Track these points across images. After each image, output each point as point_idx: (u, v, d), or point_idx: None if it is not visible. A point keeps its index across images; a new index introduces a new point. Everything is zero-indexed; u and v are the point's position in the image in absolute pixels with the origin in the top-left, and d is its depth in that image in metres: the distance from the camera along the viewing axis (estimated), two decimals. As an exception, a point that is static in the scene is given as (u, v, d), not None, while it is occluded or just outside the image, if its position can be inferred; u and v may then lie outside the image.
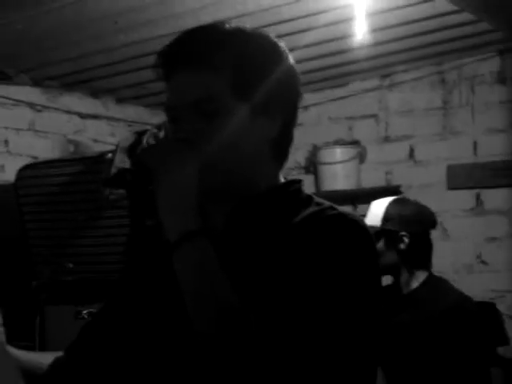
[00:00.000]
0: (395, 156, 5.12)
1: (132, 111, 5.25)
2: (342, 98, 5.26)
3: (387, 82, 5.16)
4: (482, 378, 3.11)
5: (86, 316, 3.21)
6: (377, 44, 4.23)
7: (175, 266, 1.33)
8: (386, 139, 5.17)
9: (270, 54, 1.47)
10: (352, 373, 1.35)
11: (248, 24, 1.50)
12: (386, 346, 3.00)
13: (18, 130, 4.54)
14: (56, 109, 4.76)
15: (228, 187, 1.45)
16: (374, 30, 3.97)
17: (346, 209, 1.47)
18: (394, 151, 5.12)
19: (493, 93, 4.84)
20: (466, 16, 3.99)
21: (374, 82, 5.18)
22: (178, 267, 1.33)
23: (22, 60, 4.31)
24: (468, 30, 4.26)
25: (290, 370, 1.26)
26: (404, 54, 4.66)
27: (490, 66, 4.85)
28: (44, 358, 1.61)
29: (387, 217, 3.25)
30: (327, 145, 5.24)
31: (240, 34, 1.47)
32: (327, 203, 1.46)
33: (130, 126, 5.14)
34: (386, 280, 3.27)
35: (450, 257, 4.71)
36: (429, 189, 4.94)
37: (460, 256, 4.83)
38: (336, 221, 1.39)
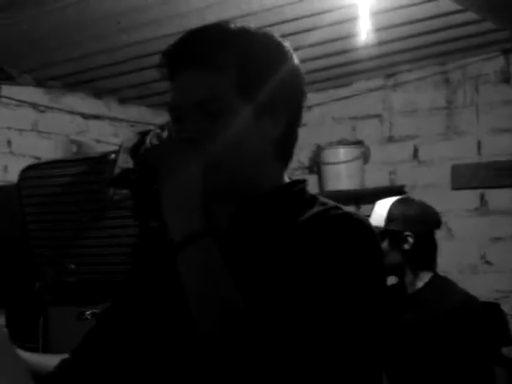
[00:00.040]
0: (399, 156, 5.11)
1: (135, 111, 5.25)
2: (345, 97, 5.25)
3: (391, 81, 5.15)
4: (485, 378, 3.11)
5: (89, 317, 3.20)
6: (381, 43, 4.23)
7: (180, 267, 1.33)
8: (390, 139, 5.17)
9: (274, 53, 1.47)
10: (357, 372, 1.35)
11: (252, 23, 1.50)
12: (389, 346, 3.00)
13: (20, 130, 4.54)
14: (59, 109, 4.76)
15: (232, 187, 1.45)
16: (378, 30, 3.97)
17: (350, 209, 1.46)
18: (397, 151, 5.12)
19: (497, 92, 4.82)
20: (470, 15, 3.99)
21: (378, 82, 5.17)
22: (182, 268, 1.33)
23: (24, 60, 4.31)
24: (472, 29, 4.25)
25: (294, 369, 1.26)
26: (408, 53, 4.65)
27: (494, 65, 4.84)
28: (52, 361, 1.61)
29: (391, 217, 3.24)
30: (331, 145, 5.23)
31: (244, 34, 1.46)
32: (332, 203, 1.45)
33: (132, 126, 5.14)
34: (391, 280, 3.26)
35: (454, 257, 4.69)
36: (433, 189, 4.93)
37: (464, 256, 4.82)
38: (341, 220, 1.39)
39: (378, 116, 5.20)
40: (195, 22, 1.55)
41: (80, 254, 3.42)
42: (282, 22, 3.77)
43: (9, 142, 4.48)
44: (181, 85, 1.44)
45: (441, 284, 3.23)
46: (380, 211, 3.27)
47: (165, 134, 3.02)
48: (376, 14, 3.80)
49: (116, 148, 3.45)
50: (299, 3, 3.66)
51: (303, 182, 1.53)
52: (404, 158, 5.10)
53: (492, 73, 4.84)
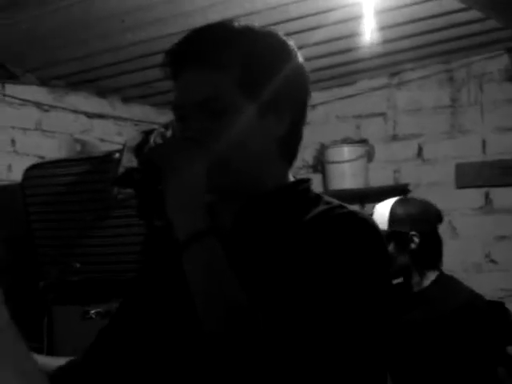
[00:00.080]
0: (403, 154, 5.10)
1: (139, 110, 5.25)
2: (349, 96, 5.25)
3: (395, 80, 5.14)
4: (490, 377, 3.11)
5: (93, 316, 3.20)
6: (385, 42, 4.22)
7: (185, 266, 1.33)
8: (394, 138, 5.16)
9: (278, 52, 1.47)
10: (361, 371, 1.35)
11: (256, 22, 1.50)
12: (395, 344, 2.99)
13: (24, 129, 4.54)
14: (63, 108, 4.76)
15: (236, 186, 1.45)
16: (382, 28, 3.96)
17: (355, 208, 1.46)
18: (402, 150, 5.11)
19: (501, 91, 4.82)
20: (473, 14, 3.98)
21: (382, 81, 5.16)
22: (187, 268, 1.33)
23: (28, 59, 4.31)
24: (476, 27, 4.24)
25: (298, 368, 1.26)
26: (412, 52, 4.64)
27: (498, 63, 4.83)
28: (59, 363, 1.61)
29: (394, 218, 3.23)
30: (335, 143, 5.22)
31: (248, 33, 1.46)
32: (336, 202, 1.45)
33: (136, 125, 5.14)
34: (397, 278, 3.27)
35: (458, 256, 4.68)
36: (437, 187, 4.92)
37: (469, 255, 4.81)
38: (345, 219, 1.39)
39: (383, 114, 5.19)
40: (199, 21, 1.54)
41: (84, 253, 3.42)
42: (287, 21, 3.76)
43: (13, 141, 4.48)
44: (185, 84, 1.44)
45: (447, 282, 3.22)
46: (382, 213, 3.26)
47: (169, 133, 3.02)
48: (380, 12, 3.79)
49: (120, 147, 3.45)
50: (304, 1, 3.66)
51: (307, 180, 1.53)
52: (408, 157, 5.10)
53: (496, 71, 4.83)
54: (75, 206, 3.48)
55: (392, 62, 4.86)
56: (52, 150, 4.63)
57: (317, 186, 4.88)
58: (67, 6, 3.50)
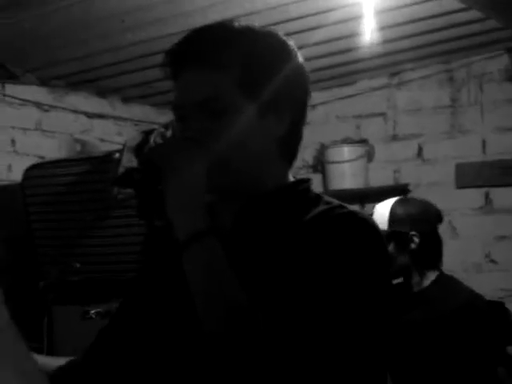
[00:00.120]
0: (403, 154, 5.10)
1: (139, 110, 5.25)
2: (349, 96, 5.25)
3: (395, 80, 5.14)
4: (490, 377, 3.11)
5: (93, 316, 3.20)
6: (385, 42, 4.22)
7: (185, 266, 1.33)
8: (394, 138, 5.16)
9: (278, 52, 1.47)
10: (361, 372, 1.35)
11: (256, 22, 1.50)
12: (395, 344, 2.99)
13: (24, 129, 4.54)
14: (63, 108, 4.76)
15: (236, 186, 1.45)
16: (382, 28, 3.97)
17: (355, 208, 1.46)
18: (402, 150, 5.11)
19: (501, 91, 4.82)
20: (473, 14, 3.98)
21: (382, 81, 5.16)
22: (187, 268, 1.33)
23: (28, 59, 4.31)
24: (476, 27, 4.24)
25: (298, 368, 1.26)
26: (412, 52, 4.64)
27: (498, 63, 4.83)
28: (59, 363, 1.61)
29: (394, 218, 3.23)
30: (335, 143, 5.22)
31: (248, 33, 1.46)
32: (336, 202, 1.46)
33: (136, 125, 5.14)
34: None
35: (458, 256, 4.68)
36: (437, 187, 4.92)
37: (469, 255, 4.81)
38: (345, 219, 1.39)
39: (383, 114, 5.20)
40: (199, 21, 1.54)
41: (84, 253, 3.42)
42: (287, 21, 3.76)
43: (13, 141, 4.48)
44: (185, 84, 1.44)
45: (447, 282, 3.22)
46: (382, 213, 3.26)
47: (169, 133, 3.02)
48: (380, 12, 3.80)
49: (120, 147, 3.45)
50: (304, 1, 3.66)
51: (307, 180, 1.53)
52: (408, 157, 5.10)
53: (496, 71, 4.84)
54: (75, 206, 3.48)
55: (392, 62, 4.86)
56: (52, 149, 4.63)
57: (317, 186, 4.88)
58: (67, 6, 3.50)
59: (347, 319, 1.29)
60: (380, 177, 5.12)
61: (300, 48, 1.51)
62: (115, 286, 3.26)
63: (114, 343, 1.57)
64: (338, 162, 5.05)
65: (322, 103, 5.23)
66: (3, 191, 4.19)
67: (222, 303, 1.30)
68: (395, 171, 5.14)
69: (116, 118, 5.09)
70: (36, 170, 3.72)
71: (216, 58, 1.41)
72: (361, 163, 5.07)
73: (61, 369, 1.57)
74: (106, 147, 4.71)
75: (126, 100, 5.16)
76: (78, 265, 3.30)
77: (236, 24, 1.46)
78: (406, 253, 3.20)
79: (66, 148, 4.74)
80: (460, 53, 4.77)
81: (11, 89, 4.45)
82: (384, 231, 3.13)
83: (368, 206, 4.97)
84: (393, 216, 3.23)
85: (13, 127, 4.47)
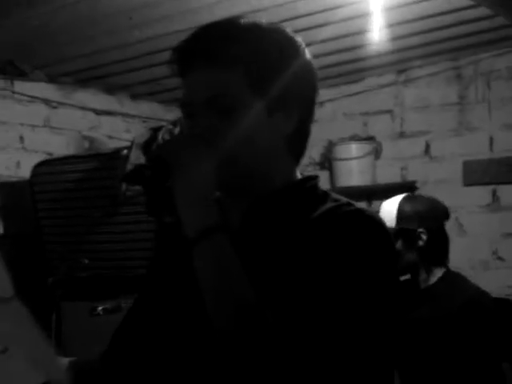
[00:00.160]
0: (411, 152, 5.10)
1: (147, 107, 5.25)
2: (357, 93, 5.24)
3: (403, 77, 5.13)
4: (496, 374, 3.11)
5: (101, 312, 3.21)
6: (392, 39, 4.22)
7: (194, 263, 1.33)
8: (402, 135, 5.15)
9: (285, 48, 1.46)
10: (368, 369, 1.35)
11: (264, 19, 1.49)
12: (402, 342, 3.00)
13: (33, 126, 4.55)
14: (71, 105, 4.77)
15: (244, 182, 1.45)
16: (390, 25, 3.96)
17: (362, 205, 1.46)
18: (409, 147, 5.10)
19: (509, 88, 4.80)
20: (482, 11, 3.97)
21: (390, 78, 5.15)
22: (196, 264, 1.33)
23: (37, 56, 4.32)
24: (484, 24, 4.23)
25: (306, 365, 1.26)
26: (420, 49, 4.64)
27: (506, 61, 4.81)
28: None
29: (402, 215, 3.23)
30: (342, 141, 5.22)
31: (256, 29, 1.46)
32: (344, 199, 1.45)
33: (144, 122, 5.14)
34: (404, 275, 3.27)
35: (465, 253, 4.68)
36: (444, 185, 4.92)
37: (476, 252, 4.81)
38: (353, 217, 1.39)
39: (390, 112, 5.19)
40: (206, 18, 1.55)
41: (92, 249, 3.43)
42: (294, 18, 3.76)
43: (21, 138, 4.49)
44: (192, 81, 1.44)
45: (453, 280, 3.23)
46: (389, 211, 3.27)
47: (177, 130, 3.03)
48: (388, 9, 3.79)
49: (128, 144, 3.46)
50: (311, -2, 3.66)
51: (315, 178, 1.53)
52: (415, 154, 5.09)
53: (504, 68, 4.82)
54: (83, 203, 3.49)
55: (400, 60, 4.86)
56: (60, 146, 4.63)
57: (324, 183, 4.88)
58: (74, 3, 3.51)
59: (355, 316, 1.29)
60: (387, 174, 5.12)
61: (307, 45, 1.51)
62: (123, 283, 3.27)
63: (131, 345, 1.57)
64: (346, 159, 5.05)
65: (330, 100, 5.22)
66: (12, 188, 4.21)
67: (231, 300, 1.30)
68: (402, 168, 5.14)
69: (124, 115, 5.09)
70: (44, 167, 3.73)
71: (223, 55, 1.41)
72: (368, 160, 5.07)
73: (79, 372, 1.57)
74: (114, 144, 4.72)
75: (134, 97, 5.16)
76: (86, 261, 3.31)
77: (243, 20, 1.46)
78: (414, 250, 3.20)
79: (75, 145, 4.75)
80: (468, 50, 4.76)
81: (20, 86, 4.46)
82: (392, 228, 3.14)
83: (375, 203, 4.97)
84: (400, 213, 3.23)
85: (21, 124, 4.48)
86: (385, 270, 1.37)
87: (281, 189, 1.47)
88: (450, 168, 4.94)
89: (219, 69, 1.41)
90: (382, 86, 5.17)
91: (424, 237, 3.20)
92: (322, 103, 5.11)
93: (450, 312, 3.08)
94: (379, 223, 1.41)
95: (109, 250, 3.40)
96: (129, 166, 3.12)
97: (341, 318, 1.28)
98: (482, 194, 4.85)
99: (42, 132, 4.60)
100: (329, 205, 1.43)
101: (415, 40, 4.42)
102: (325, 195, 1.47)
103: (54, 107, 4.68)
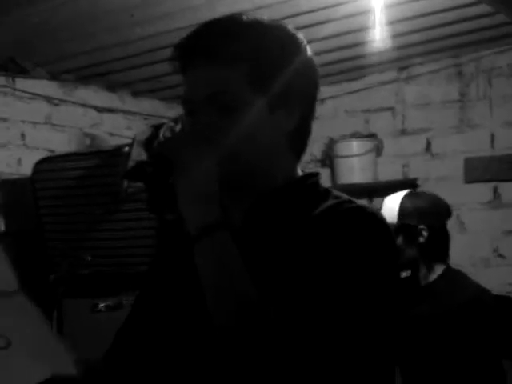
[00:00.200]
0: (412, 149, 5.10)
1: (148, 105, 5.25)
2: (358, 90, 5.24)
3: (404, 74, 5.13)
4: (496, 371, 3.11)
5: (103, 309, 3.21)
6: (394, 36, 4.21)
7: (196, 260, 1.33)
8: (403, 132, 5.15)
9: (287, 45, 1.46)
10: (370, 366, 1.35)
11: (266, 16, 1.49)
12: (403, 339, 3.00)
13: (34, 123, 4.55)
14: (72, 102, 4.77)
15: (246, 179, 1.44)
16: (392, 23, 3.96)
17: (363, 202, 1.46)
18: (410, 144, 5.10)
19: (510, 85, 4.80)
20: (483, 8, 3.97)
21: (391, 75, 5.15)
22: (198, 261, 1.33)
23: (38, 53, 4.31)
24: (485, 22, 4.23)
25: (307, 362, 1.26)
26: (421, 46, 4.63)
27: (507, 58, 4.81)
28: None
29: (404, 211, 3.24)
30: (344, 138, 5.22)
31: (257, 26, 1.46)
32: (345, 196, 1.46)
33: (146, 119, 5.15)
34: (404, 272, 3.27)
35: (466, 250, 4.68)
36: (446, 182, 4.92)
37: (477, 249, 4.81)
38: (354, 214, 1.39)
39: (391, 109, 5.19)
40: (208, 15, 1.54)
41: (94, 246, 3.43)
42: (296, 15, 3.75)
43: (22, 135, 4.49)
44: (193, 78, 1.44)
45: (454, 277, 3.23)
46: (391, 207, 3.27)
47: (178, 127, 3.03)
48: (389, 6, 3.79)
49: (129, 141, 3.46)
50: (313, -4, 3.66)
51: (316, 175, 1.53)
52: (417, 151, 5.09)
53: (505, 66, 4.82)
54: (85, 200, 3.49)
55: (401, 57, 4.85)
56: (62, 143, 4.63)
57: (325, 181, 4.86)
58: (75, 0, 3.51)
59: (356, 313, 1.30)
60: (389, 171, 5.12)
61: (309, 42, 1.50)
62: (125, 280, 3.27)
63: (134, 343, 1.56)
64: (347, 157, 5.05)
65: (331, 97, 5.22)
66: (13, 185, 4.21)
67: (232, 297, 1.30)
68: (404, 166, 5.14)
69: (125, 112, 5.09)
70: (46, 164, 3.74)
71: (224, 52, 1.41)
72: (369, 157, 5.07)
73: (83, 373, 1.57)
74: (115, 141, 4.72)
75: (135, 94, 5.16)
76: (89, 257, 3.32)
77: (244, 17, 1.46)
78: (414, 246, 3.20)
79: (76, 142, 4.75)
80: (469, 47, 4.76)
81: (21, 83, 4.46)
82: (393, 224, 3.14)
83: (376, 201, 4.97)
84: (402, 209, 3.24)
85: (23, 121, 4.48)
86: (386, 267, 1.37)
87: (282, 186, 1.47)
88: (452, 165, 4.94)
89: (220, 66, 1.41)
90: (384, 84, 5.17)
91: (425, 233, 3.20)
92: (323, 100, 5.11)
93: (450, 309, 3.09)
94: (380, 220, 1.41)
95: (110, 247, 3.40)
96: (130, 163, 3.12)
97: (342, 315, 1.28)
98: (483, 191, 4.85)
99: (43, 129, 4.60)
100: (330, 202, 1.43)
101: (416, 37, 4.42)
102: (326, 192, 1.48)
103: (56, 104, 4.68)
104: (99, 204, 3.39)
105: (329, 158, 5.30)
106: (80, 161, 3.64)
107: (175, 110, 4.86)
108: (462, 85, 4.96)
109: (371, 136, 5.19)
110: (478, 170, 4.85)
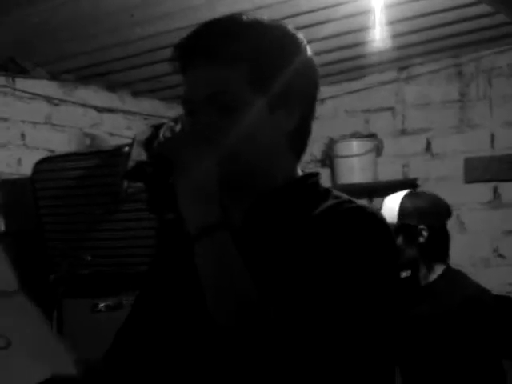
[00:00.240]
0: (412, 149, 5.10)
1: (148, 105, 5.25)
2: (358, 90, 5.24)
3: (404, 74, 5.13)
4: (496, 371, 3.11)
5: (103, 309, 3.21)
6: (394, 36, 4.21)
7: (196, 260, 1.33)
8: (403, 132, 5.15)
9: (287, 45, 1.47)
10: (370, 366, 1.35)
11: (266, 16, 1.49)
12: (403, 339, 3.00)
13: (34, 123, 4.55)
14: (72, 102, 4.77)
15: (246, 179, 1.44)
16: (392, 23, 3.96)
17: (363, 202, 1.46)
18: (410, 144, 5.10)
19: (510, 85, 4.80)
20: (483, 8, 3.97)
21: (391, 75, 5.15)
22: (198, 262, 1.33)
23: (38, 53, 4.32)
24: (485, 22, 4.23)
25: (307, 361, 1.26)
26: (421, 46, 4.63)
27: (507, 58, 4.82)
28: None
29: (404, 211, 3.24)
30: (344, 138, 5.22)
31: (257, 26, 1.46)
32: (345, 196, 1.46)
33: (146, 119, 5.15)
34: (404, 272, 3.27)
35: (466, 250, 4.68)
36: (446, 182, 4.92)
37: (477, 249, 4.81)
38: (355, 214, 1.39)
39: (391, 109, 5.19)
40: (208, 15, 1.54)
41: (94, 246, 3.43)
42: (296, 15, 3.75)
43: (22, 135, 4.49)
44: (193, 78, 1.44)
45: (454, 277, 3.23)
46: (391, 207, 3.27)
47: (178, 127, 3.03)
48: (389, 6, 3.79)
49: (129, 141, 3.46)
50: (313, -4, 3.66)
51: (316, 175, 1.53)
52: (417, 151, 5.09)
53: (505, 66, 4.83)
54: (85, 200, 3.49)
55: (401, 57, 4.85)
56: (62, 143, 4.63)
57: (325, 181, 4.86)
58: (75, 0, 3.51)
59: (356, 313, 1.30)
60: (389, 171, 5.12)
61: (309, 42, 1.50)
62: (125, 280, 3.27)
63: (134, 343, 1.56)
64: (347, 157, 5.05)
65: (331, 97, 5.22)
66: (13, 185, 4.21)
67: (232, 297, 1.30)
68: (404, 166, 5.14)
69: (125, 112, 5.09)
70: (46, 164, 3.74)
71: (224, 52, 1.41)
72: (369, 157, 5.07)
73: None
74: (115, 141, 4.72)
75: (135, 94, 5.16)
76: (89, 257, 3.32)
77: (244, 17, 1.46)
78: (414, 246, 3.20)
79: (76, 142, 4.75)
80: (469, 47, 4.76)
81: (21, 83, 4.46)
82: (393, 224, 3.14)
83: (376, 201, 4.97)
84: (402, 209, 3.24)
85: (23, 121, 4.48)
86: (386, 267, 1.37)
87: (282, 186, 1.48)
88: (452, 165, 4.94)
89: (219, 66, 1.41)
90: (384, 84, 5.17)
91: (425, 233, 3.20)
92: (323, 100, 5.11)
93: (450, 309, 3.09)
94: (380, 220, 1.41)
95: (110, 247, 3.40)
96: (130, 163, 3.12)
97: (342, 315, 1.28)
98: (483, 191, 4.85)
99: (43, 129, 4.60)
100: (330, 202, 1.43)
101: (416, 37, 4.43)
102: (326, 192, 1.48)
103: (56, 104, 4.68)
104: (99, 204, 3.39)
105: (329, 158, 5.30)
106: (80, 161, 3.64)
107: (175, 110, 4.86)
108: (462, 85, 4.96)
109: (371, 136, 5.19)
110: (478, 170, 4.85)
